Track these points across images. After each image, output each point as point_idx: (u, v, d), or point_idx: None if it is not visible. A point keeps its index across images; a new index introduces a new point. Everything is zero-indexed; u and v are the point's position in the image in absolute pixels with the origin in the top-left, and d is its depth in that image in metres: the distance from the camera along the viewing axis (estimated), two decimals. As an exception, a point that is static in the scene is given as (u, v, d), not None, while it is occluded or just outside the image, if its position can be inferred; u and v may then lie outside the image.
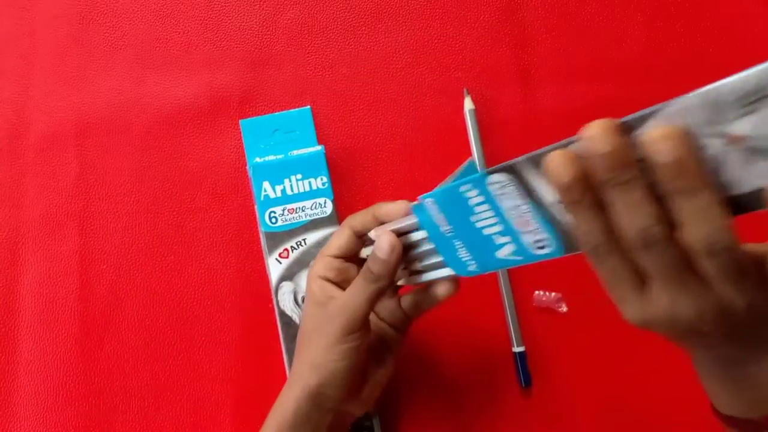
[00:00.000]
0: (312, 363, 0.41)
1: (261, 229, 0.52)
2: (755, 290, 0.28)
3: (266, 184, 0.52)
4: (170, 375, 0.53)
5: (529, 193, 0.32)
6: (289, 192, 0.52)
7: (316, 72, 0.56)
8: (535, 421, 0.52)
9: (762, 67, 0.24)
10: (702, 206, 0.26)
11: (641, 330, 0.32)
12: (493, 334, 0.53)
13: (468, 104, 0.55)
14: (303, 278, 0.51)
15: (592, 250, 0.30)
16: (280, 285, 0.52)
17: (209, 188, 0.55)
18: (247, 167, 0.54)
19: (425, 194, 0.37)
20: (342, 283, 0.43)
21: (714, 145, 0.26)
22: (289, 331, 0.51)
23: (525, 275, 0.53)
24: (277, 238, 0.52)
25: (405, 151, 0.55)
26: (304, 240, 0.52)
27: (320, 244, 0.51)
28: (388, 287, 0.41)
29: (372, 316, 0.44)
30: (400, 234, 0.41)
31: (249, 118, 0.55)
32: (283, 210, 0.52)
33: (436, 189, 0.36)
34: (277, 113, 0.55)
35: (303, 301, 0.51)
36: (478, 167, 0.54)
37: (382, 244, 0.40)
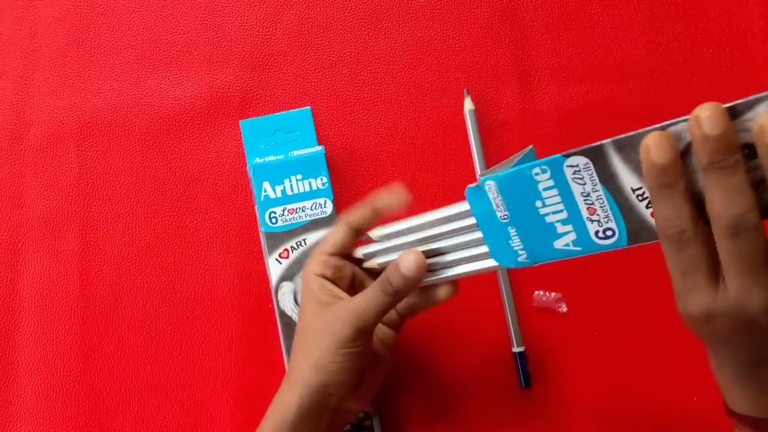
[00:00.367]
0: (316, 363, 0.40)
1: (261, 230, 0.52)
2: None
3: (266, 185, 0.52)
4: (170, 375, 0.53)
5: (606, 178, 0.32)
6: (289, 192, 0.52)
7: (317, 72, 0.56)
8: (534, 421, 0.52)
9: None
10: None
11: (697, 321, 0.32)
12: (492, 335, 0.53)
13: (468, 104, 0.55)
14: (303, 278, 0.52)
15: (676, 236, 0.30)
16: (280, 285, 0.52)
17: (209, 188, 0.55)
18: (248, 167, 0.54)
19: (485, 176, 0.35)
20: (338, 281, 0.42)
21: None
22: (289, 332, 0.51)
23: (525, 275, 0.53)
24: (277, 238, 0.52)
25: (405, 151, 0.55)
26: (304, 240, 0.52)
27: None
28: (398, 302, 0.40)
29: None
30: (408, 232, 0.40)
31: (249, 119, 0.55)
32: (284, 210, 0.52)
33: (498, 172, 0.34)
34: (277, 113, 0.55)
35: (303, 301, 0.51)
36: (479, 168, 0.54)
37: (410, 262, 0.38)
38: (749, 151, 0.28)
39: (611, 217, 0.33)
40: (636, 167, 0.31)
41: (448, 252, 0.40)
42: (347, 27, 0.57)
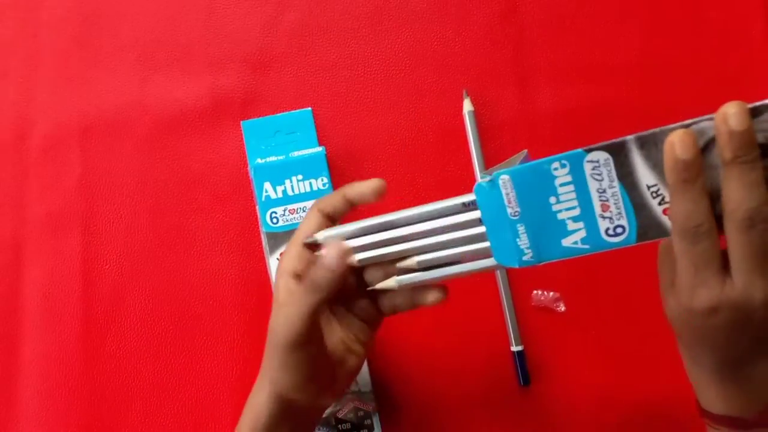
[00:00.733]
0: (271, 375, 0.39)
1: (262, 230, 0.53)
2: None
3: (267, 185, 0.53)
4: (172, 374, 0.53)
5: (624, 174, 0.33)
6: (290, 192, 0.53)
7: (317, 74, 0.57)
8: (533, 419, 0.52)
9: None
10: None
11: (702, 315, 0.33)
12: (491, 334, 0.53)
13: (467, 106, 0.55)
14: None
15: (693, 230, 0.31)
16: (281, 285, 0.52)
17: (211, 189, 0.55)
18: (249, 168, 0.55)
19: (499, 171, 0.34)
20: None
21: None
22: (290, 331, 0.52)
23: (523, 274, 0.54)
24: (279, 238, 0.52)
25: (405, 152, 0.56)
26: (304, 240, 0.52)
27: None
28: (329, 298, 0.37)
29: (341, 310, 0.41)
30: (380, 230, 0.38)
31: (250, 120, 0.55)
32: (284, 210, 0.53)
33: (513, 166, 0.34)
34: (278, 115, 0.56)
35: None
36: (478, 169, 0.54)
37: (331, 251, 0.37)
38: (762, 150, 0.31)
39: (623, 214, 0.33)
40: (654, 164, 0.33)
41: (441, 250, 0.38)
42: (348, 29, 0.57)
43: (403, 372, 0.53)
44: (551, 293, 0.53)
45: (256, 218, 0.54)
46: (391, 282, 0.39)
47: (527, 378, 0.52)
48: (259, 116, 0.56)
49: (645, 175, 0.33)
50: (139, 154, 0.56)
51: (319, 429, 0.51)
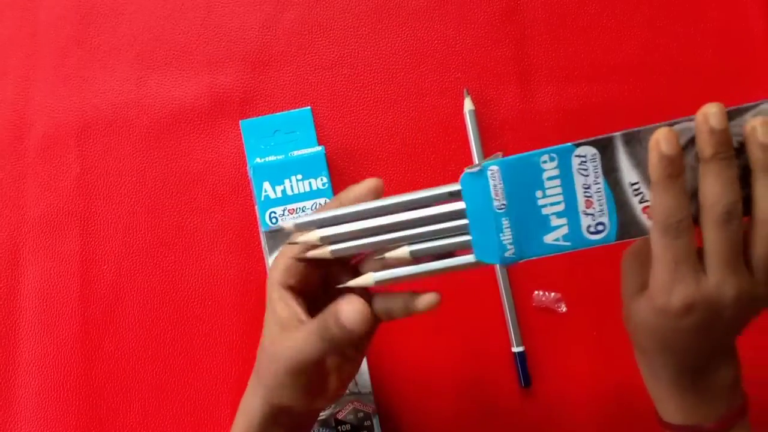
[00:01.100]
0: (267, 385, 0.38)
1: (261, 229, 0.53)
2: None
3: (266, 185, 0.52)
4: (170, 375, 0.53)
5: (608, 171, 0.33)
6: (289, 192, 0.52)
7: (317, 73, 0.56)
8: (534, 421, 0.52)
9: None
10: None
11: (678, 314, 0.33)
12: (492, 334, 0.53)
13: (468, 105, 0.55)
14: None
15: (676, 225, 0.32)
16: (281, 285, 0.52)
17: (210, 189, 0.55)
18: (248, 168, 0.54)
19: (489, 161, 0.34)
20: (304, 290, 0.38)
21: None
22: (290, 331, 0.51)
23: (524, 275, 0.53)
24: (278, 238, 0.52)
25: (405, 151, 0.56)
26: (304, 240, 0.52)
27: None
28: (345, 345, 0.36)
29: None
30: (357, 218, 0.35)
31: (249, 119, 0.55)
32: (284, 210, 0.52)
33: (503, 158, 0.34)
34: (277, 114, 0.55)
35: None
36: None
37: (349, 313, 0.34)
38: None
39: (605, 211, 0.34)
40: (638, 162, 0.33)
41: (418, 243, 0.35)
42: (347, 27, 0.57)
43: (403, 373, 0.53)
44: (552, 294, 0.53)
45: (255, 218, 0.54)
46: (367, 279, 0.36)
47: (528, 379, 0.52)
48: (258, 115, 0.55)
49: (628, 173, 0.33)
50: (137, 153, 0.55)
51: (318, 430, 0.51)
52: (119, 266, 0.54)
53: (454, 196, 0.35)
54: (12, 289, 0.54)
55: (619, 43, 0.57)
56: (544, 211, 0.34)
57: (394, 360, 0.53)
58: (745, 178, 0.32)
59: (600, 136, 0.33)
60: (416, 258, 0.35)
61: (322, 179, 0.53)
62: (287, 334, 0.37)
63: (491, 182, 0.34)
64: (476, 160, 0.55)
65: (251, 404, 0.40)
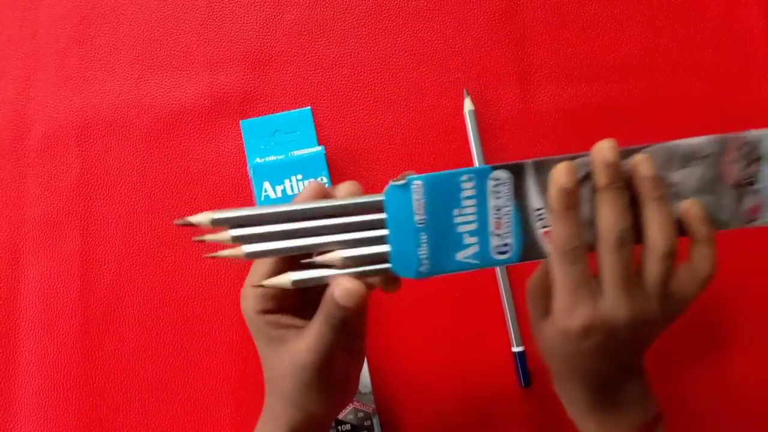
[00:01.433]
0: (291, 400, 0.38)
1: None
2: (668, 305, 0.36)
3: (267, 185, 0.52)
4: (170, 375, 0.53)
5: (518, 195, 0.35)
6: (289, 192, 0.52)
7: (317, 73, 0.57)
8: (534, 420, 0.52)
9: (694, 141, 0.36)
10: (666, 215, 0.35)
11: (577, 337, 0.35)
12: (492, 334, 0.53)
13: (468, 105, 0.55)
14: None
15: (572, 252, 0.35)
16: (281, 285, 0.52)
17: (210, 189, 0.55)
18: (248, 168, 0.54)
19: (413, 176, 0.34)
20: (284, 307, 0.38)
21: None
22: (290, 331, 0.51)
23: (525, 275, 0.53)
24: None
25: (405, 151, 0.56)
26: (304, 240, 0.52)
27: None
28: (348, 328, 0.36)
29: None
30: (283, 220, 0.35)
31: (250, 119, 0.55)
32: (284, 210, 0.52)
33: (426, 174, 0.35)
34: (277, 114, 0.55)
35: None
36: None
37: (342, 291, 0.34)
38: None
39: (511, 233, 0.36)
40: (543, 189, 0.36)
41: (349, 249, 0.35)
42: (347, 27, 0.57)
43: (403, 373, 0.53)
44: (552, 293, 0.53)
45: (256, 218, 0.54)
46: (283, 279, 0.35)
47: (528, 379, 0.52)
48: (259, 115, 0.55)
49: (535, 199, 0.36)
50: (137, 153, 0.55)
51: (318, 430, 0.51)
52: (119, 266, 0.54)
53: (377, 207, 0.35)
54: (12, 289, 0.54)
55: (619, 43, 0.57)
56: (459, 229, 0.35)
57: (394, 360, 0.53)
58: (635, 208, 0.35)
59: (515, 162, 0.35)
60: (346, 264, 0.35)
61: (322, 179, 0.53)
62: (292, 344, 0.37)
63: (414, 196, 0.35)
64: (476, 160, 0.55)
65: (274, 426, 0.39)
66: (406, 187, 0.34)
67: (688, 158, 0.36)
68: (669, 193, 0.36)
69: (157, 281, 0.54)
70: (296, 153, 0.53)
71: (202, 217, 0.35)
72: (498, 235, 0.36)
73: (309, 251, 0.35)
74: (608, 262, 0.34)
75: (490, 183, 0.35)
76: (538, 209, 0.36)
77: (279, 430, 0.39)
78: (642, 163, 0.35)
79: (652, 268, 0.35)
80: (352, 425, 0.51)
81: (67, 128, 0.56)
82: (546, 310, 0.38)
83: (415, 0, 0.57)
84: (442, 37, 0.57)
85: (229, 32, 0.57)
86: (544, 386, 0.52)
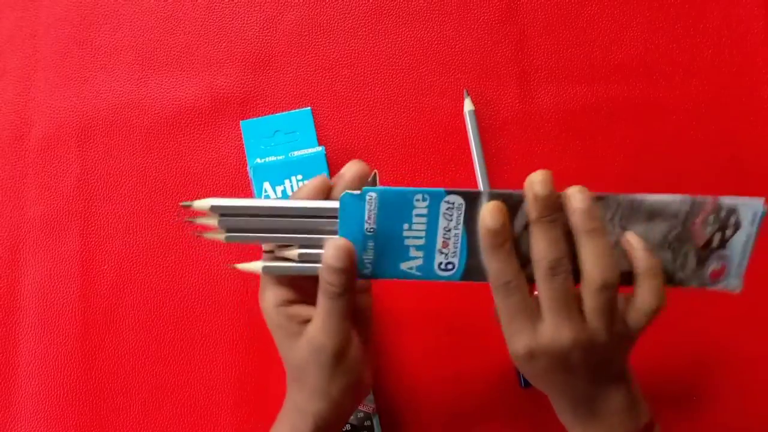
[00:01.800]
0: (316, 391, 0.39)
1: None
2: (616, 329, 0.36)
3: (267, 185, 0.52)
4: (171, 375, 0.53)
5: (468, 221, 0.37)
6: (289, 192, 0.52)
7: (317, 73, 0.57)
8: (534, 420, 0.52)
9: (663, 198, 0.36)
10: (602, 246, 0.35)
11: (524, 361, 0.37)
12: (492, 334, 0.53)
13: (468, 105, 0.55)
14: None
15: (504, 286, 0.36)
16: (281, 285, 0.52)
17: (210, 189, 0.55)
18: (248, 168, 0.54)
19: (369, 187, 0.36)
20: (303, 295, 0.39)
21: (614, 233, 0.37)
22: (290, 331, 0.51)
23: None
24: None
25: (405, 152, 0.56)
26: (304, 240, 0.52)
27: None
28: (356, 293, 0.38)
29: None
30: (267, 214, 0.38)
31: (250, 119, 0.55)
32: (284, 210, 0.52)
33: (381, 187, 0.37)
34: (277, 114, 0.55)
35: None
36: (479, 168, 0.54)
37: (332, 250, 0.36)
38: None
39: (458, 254, 0.37)
40: None
41: (306, 248, 0.38)
42: (347, 28, 0.57)
43: (403, 373, 0.53)
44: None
45: (256, 218, 0.54)
46: (256, 266, 0.39)
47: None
48: (259, 116, 0.55)
49: None
50: (137, 153, 0.55)
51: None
52: (120, 266, 0.54)
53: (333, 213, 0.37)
54: (12, 289, 0.54)
55: (618, 44, 0.57)
56: (407, 242, 0.37)
57: (394, 360, 0.53)
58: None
59: (470, 190, 0.36)
60: (303, 259, 0.38)
61: (322, 179, 0.52)
62: (307, 331, 0.38)
63: (367, 207, 0.37)
64: (476, 161, 0.55)
65: (298, 420, 0.40)
66: (361, 197, 0.36)
67: (653, 214, 0.37)
68: (605, 228, 0.36)
69: (157, 281, 0.54)
70: (296, 153, 0.53)
71: (200, 203, 0.39)
72: (444, 253, 0.37)
73: (281, 243, 0.39)
74: (544, 289, 0.36)
75: (443, 205, 0.36)
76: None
77: (305, 422, 0.39)
78: (573, 195, 0.35)
79: (589, 299, 0.35)
80: (352, 425, 0.51)
81: (67, 128, 0.56)
82: None
83: (415, 0, 0.57)
84: (442, 37, 0.57)
85: (229, 32, 0.57)
86: (544, 386, 0.52)
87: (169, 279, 0.54)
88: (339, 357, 0.38)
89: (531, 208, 0.35)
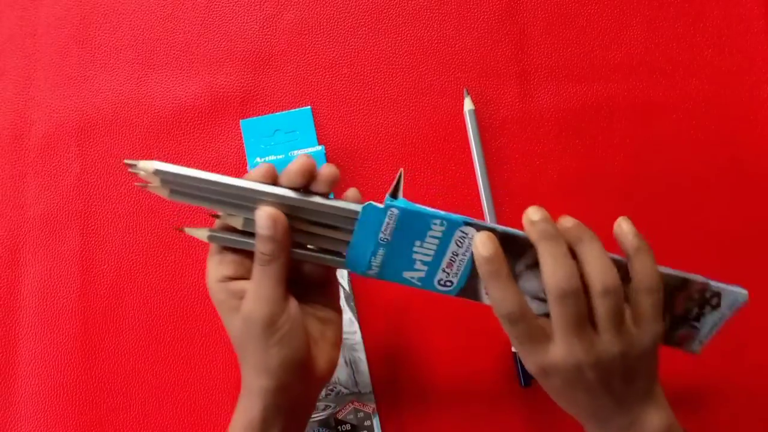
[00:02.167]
0: (257, 367, 0.38)
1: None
2: (627, 341, 0.37)
3: (267, 184, 0.52)
4: (171, 374, 0.53)
5: None
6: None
7: (317, 72, 0.57)
8: (534, 420, 0.52)
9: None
10: (597, 250, 0.36)
11: (540, 378, 0.38)
12: (492, 334, 0.53)
13: (468, 104, 0.55)
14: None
15: (506, 317, 0.37)
16: (281, 284, 0.52)
17: (210, 188, 0.55)
18: (248, 167, 0.54)
19: (393, 200, 0.37)
20: (247, 274, 0.39)
21: None
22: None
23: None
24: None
25: (405, 151, 0.56)
26: (304, 240, 0.52)
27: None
28: (288, 261, 0.38)
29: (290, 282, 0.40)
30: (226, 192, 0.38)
31: (250, 118, 0.55)
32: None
33: (406, 203, 0.38)
34: (277, 113, 0.55)
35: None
36: (479, 167, 0.54)
37: (261, 219, 0.37)
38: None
39: (458, 275, 0.39)
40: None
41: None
42: (347, 27, 0.57)
43: (403, 373, 0.53)
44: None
45: (256, 218, 0.54)
46: (202, 233, 0.39)
47: (528, 379, 0.52)
48: (259, 115, 0.55)
49: None
50: (137, 152, 0.55)
51: (318, 430, 0.51)
52: (119, 265, 0.54)
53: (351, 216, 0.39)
54: (12, 289, 0.54)
55: (618, 43, 0.57)
56: (415, 256, 0.39)
57: (394, 360, 0.53)
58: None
59: (487, 224, 0.38)
60: (247, 228, 0.38)
61: (322, 179, 0.52)
62: (242, 302, 0.38)
63: (386, 220, 0.38)
64: (476, 160, 0.55)
65: (247, 405, 0.39)
66: (383, 210, 0.38)
67: None
68: (596, 236, 0.37)
69: (157, 281, 0.54)
70: (296, 152, 0.53)
71: (148, 165, 0.39)
72: (446, 272, 0.39)
73: (226, 212, 0.39)
74: (555, 311, 0.36)
75: (457, 233, 0.38)
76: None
77: (253, 403, 0.39)
78: (564, 218, 0.37)
79: (596, 308, 0.36)
80: (352, 425, 0.51)
81: (67, 128, 0.56)
82: None
83: (415, 0, 0.57)
84: (442, 36, 0.57)
85: (229, 32, 0.57)
86: (544, 386, 0.52)
87: (169, 279, 0.54)
88: (270, 325, 0.37)
89: (530, 232, 0.36)
